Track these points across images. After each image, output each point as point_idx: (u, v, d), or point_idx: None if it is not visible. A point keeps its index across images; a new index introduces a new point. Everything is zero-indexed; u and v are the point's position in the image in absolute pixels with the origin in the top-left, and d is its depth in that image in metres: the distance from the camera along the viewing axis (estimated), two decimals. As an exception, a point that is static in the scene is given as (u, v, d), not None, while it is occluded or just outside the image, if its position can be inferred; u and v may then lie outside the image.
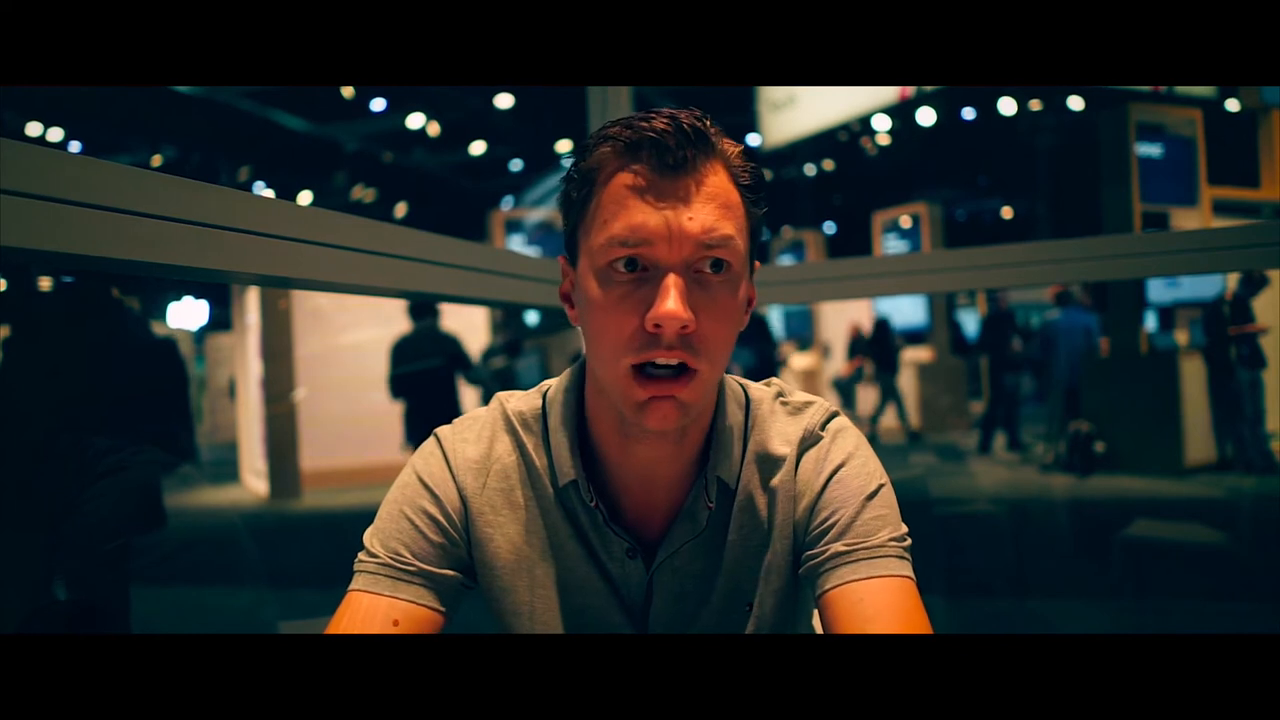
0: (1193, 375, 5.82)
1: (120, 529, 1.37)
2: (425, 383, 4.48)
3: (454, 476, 0.72)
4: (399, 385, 4.52)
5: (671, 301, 0.59)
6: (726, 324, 0.64)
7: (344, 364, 6.32)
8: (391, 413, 5.01)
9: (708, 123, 0.64)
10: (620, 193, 0.62)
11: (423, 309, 4.52)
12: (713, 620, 0.72)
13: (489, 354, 6.15)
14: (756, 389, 0.77)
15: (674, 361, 0.61)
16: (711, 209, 0.62)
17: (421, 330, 4.55)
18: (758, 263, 0.71)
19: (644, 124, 0.62)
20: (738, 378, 0.78)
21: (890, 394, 8.29)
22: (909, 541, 0.69)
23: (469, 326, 6.65)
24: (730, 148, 0.65)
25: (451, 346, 4.56)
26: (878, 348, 8.35)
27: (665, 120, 0.62)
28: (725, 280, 0.63)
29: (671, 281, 0.60)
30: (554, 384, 0.76)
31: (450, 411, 4.48)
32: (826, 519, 0.69)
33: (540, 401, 0.76)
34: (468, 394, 5.02)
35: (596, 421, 0.71)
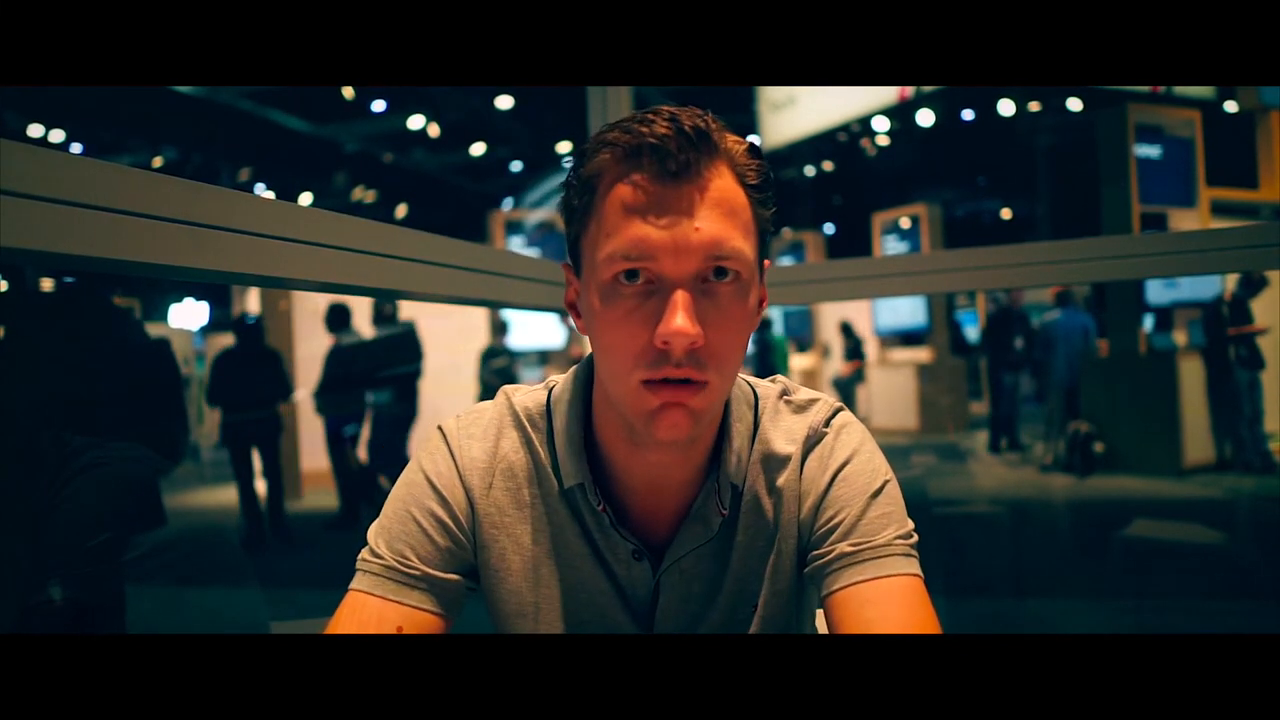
0: (1191, 376, 5.83)
1: (102, 525, 1.36)
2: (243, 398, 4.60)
3: (461, 477, 0.71)
4: (215, 396, 4.64)
5: (680, 319, 0.57)
6: (736, 333, 0.62)
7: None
8: (391, 413, 5.03)
9: (710, 121, 0.61)
10: (621, 204, 0.60)
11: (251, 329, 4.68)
12: (718, 621, 0.72)
13: (489, 355, 6.16)
14: (763, 386, 0.76)
15: (683, 377, 0.60)
16: (717, 217, 0.59)
17: (247, 346, 4.65)
18: (768, 262, 0.69)
19: (643, 128, 0.59)
20: (744, 375, 0.77)
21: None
22: (915, 538, 0.68)
23: (470, 327, 6.66)
24: (735, 146, 0.62)
25: (272, 365, 4.66)
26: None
27: (666, 123, 0.59)
28: (734, 289, 0.61)
29: (679, 298, 0.58)
30: (560, 381, 0.75)
31: (271, 426, 4.68)
32: (831, 518, 0.68)
33: (545, 397, 0.74)
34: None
35: (603, 427, 0.70)
